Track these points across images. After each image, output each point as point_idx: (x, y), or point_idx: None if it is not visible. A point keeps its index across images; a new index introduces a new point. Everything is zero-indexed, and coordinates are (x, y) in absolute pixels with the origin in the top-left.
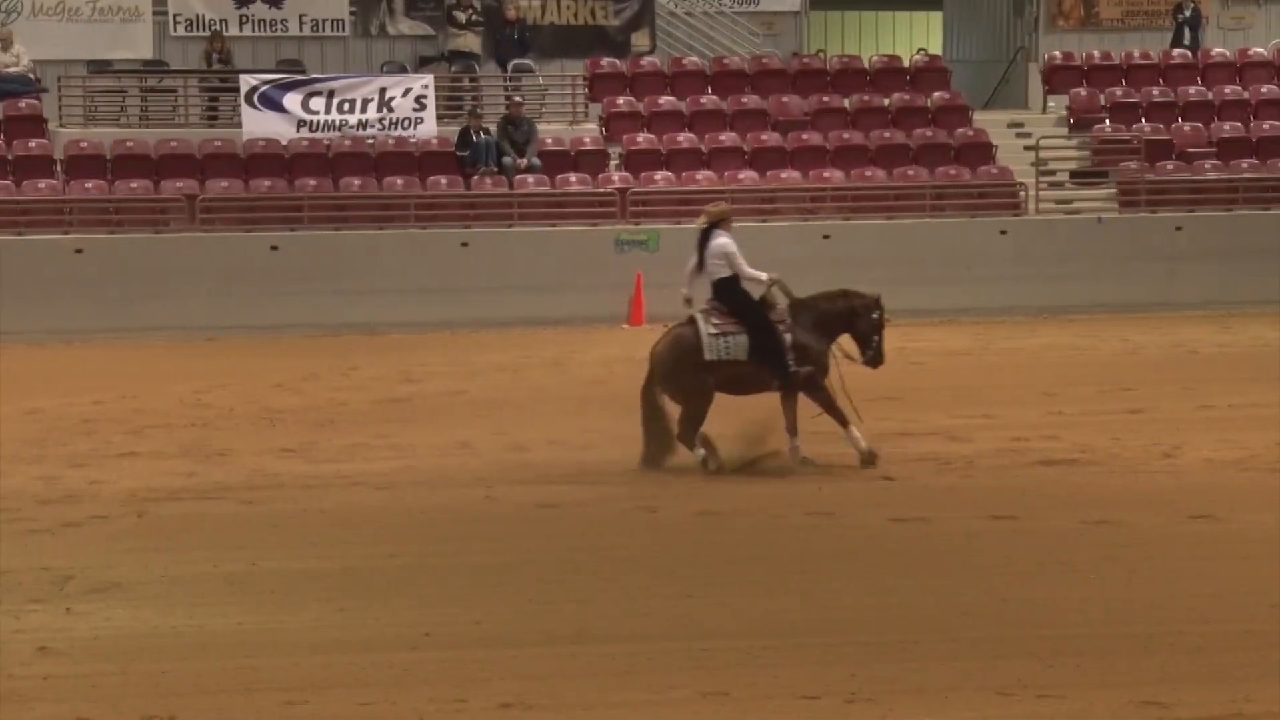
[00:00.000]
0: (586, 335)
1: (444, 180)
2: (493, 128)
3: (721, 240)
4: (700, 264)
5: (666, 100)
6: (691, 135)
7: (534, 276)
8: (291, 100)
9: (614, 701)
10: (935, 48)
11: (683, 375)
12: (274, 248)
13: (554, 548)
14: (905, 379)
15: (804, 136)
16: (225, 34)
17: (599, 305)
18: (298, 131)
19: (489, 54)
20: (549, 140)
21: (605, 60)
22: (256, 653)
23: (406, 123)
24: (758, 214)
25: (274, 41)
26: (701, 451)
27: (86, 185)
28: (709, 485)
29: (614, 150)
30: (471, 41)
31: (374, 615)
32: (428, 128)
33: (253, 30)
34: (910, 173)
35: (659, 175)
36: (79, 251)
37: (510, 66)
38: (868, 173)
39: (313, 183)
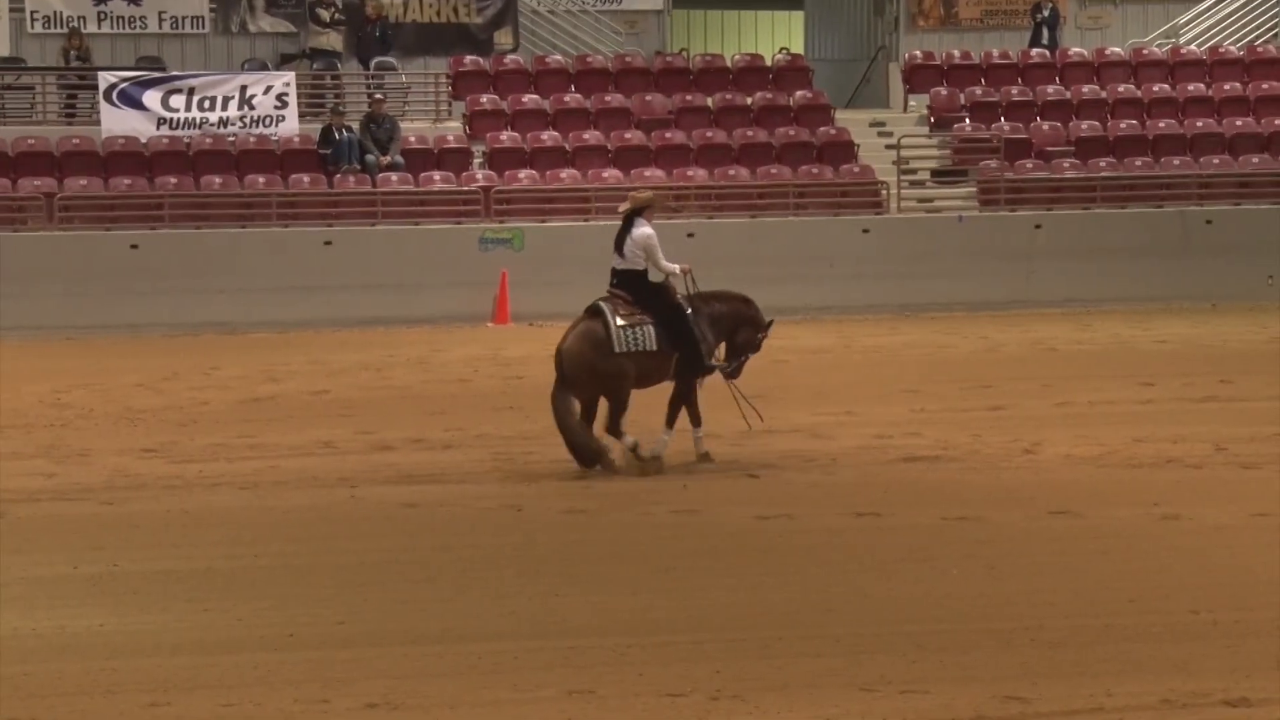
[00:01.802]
0: (451, 334)
1: (306, 178)
2: (355, 125)
3: (645, 230)
4: (619, 251)
5: (530, 99)
6: (555, 134)
7: (398, 275)
8: (151, 98)
9: (480, 700)
10: (797, 47)
11: (597, 367)
12: (134, 246)
13: (418, 547)
14: (768, 377)
15: (667, 135)
16: (84, 31)
17: (463, 304)
18: (158, 129)
19: (351, 52)
20: (412, 138)
21: (468, 58)
22: (118, 654)
23: (268, 120)
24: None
25: (133, 38)
26: (631, 439)
27: None
28: (575, 484)
29: (477, 148)
30: (334, 39)
31: (237, 616)
32: (289, 125)
33: (111, 27)
34: (773, 171)
35: (523, 174)
36: None
37: (372, 64)
38: (731, 171)
39: (173, 181)
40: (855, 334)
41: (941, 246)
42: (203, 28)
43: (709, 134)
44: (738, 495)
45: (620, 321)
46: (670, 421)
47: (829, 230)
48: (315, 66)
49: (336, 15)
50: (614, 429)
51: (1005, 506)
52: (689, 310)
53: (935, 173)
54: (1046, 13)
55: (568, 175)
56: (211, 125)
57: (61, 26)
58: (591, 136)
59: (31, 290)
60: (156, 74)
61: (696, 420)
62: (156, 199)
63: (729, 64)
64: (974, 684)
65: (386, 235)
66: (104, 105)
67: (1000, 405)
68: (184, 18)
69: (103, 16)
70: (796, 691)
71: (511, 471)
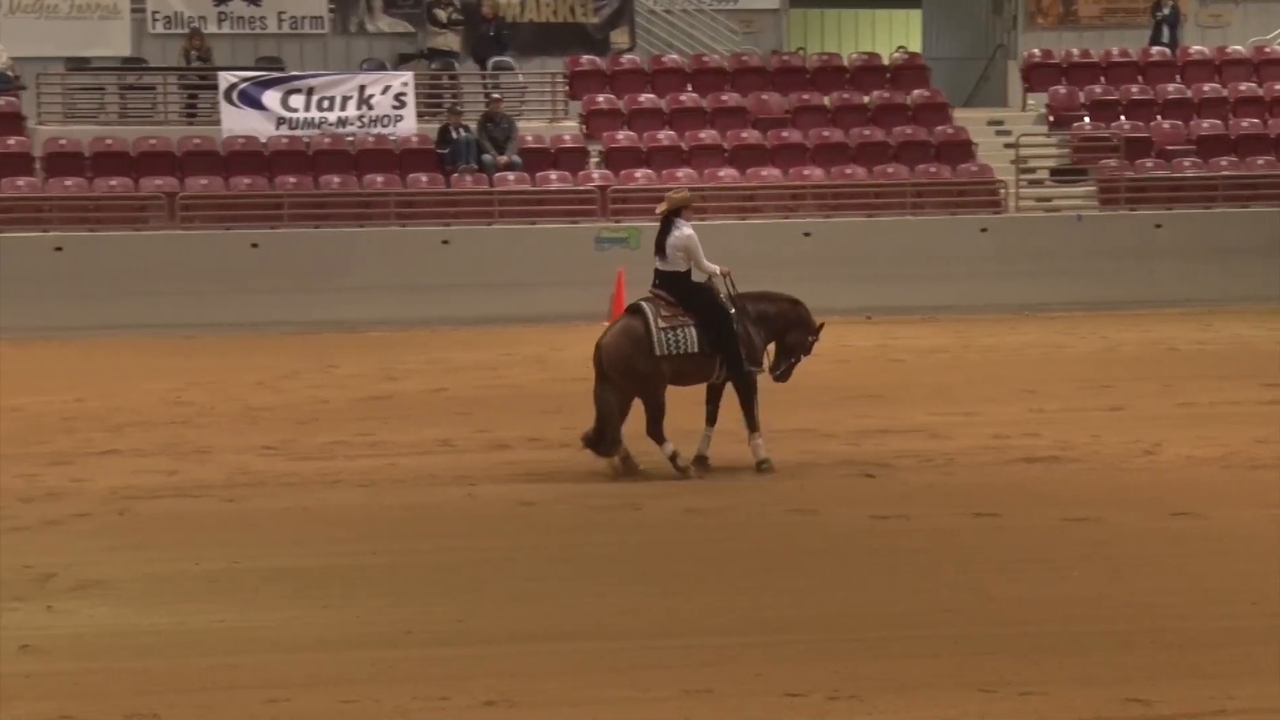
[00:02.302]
0: (567, 333)
1: (424, 178)
2: (473, 125)
3: (687, 232)
4: (661, 253)
5: (646, 98)
6: (671, 133)
7: (514, 274)
8: (270, 98)
9: (597, 699)
10: (915, 45)
11: (635, 366)
12: (254, 245)
13: (536, 545)
14: (886, 376)
15: (784, 134)
16: (204, 31)
17: (579, 303)
18: (277, 129)
19: (468, 52)
20: (529, 138)
21: (585, 58)
22: (238, 650)
23: (386, 120)
24: (738, 211)
25: (253, 39)
26: (671, 447)
27: (66, 183)
28: (692, 483)
29: (594, 148)
30: (451, 39)
31: (356, 613)
32: (407, 125)
33: (231, 28)
34: (890, 170)
35: (639, 173)
36: (58, 249)
37: (490, 64)
38: (848, 170)
39: (292, 180)
40: (973, 334)
41: (1060, 246)
42: (322, 28)
43: (826, 133)
44: (854, 495)
45: (661, 324)
46: (752, 425)
47: (946, 230)
48: (433, 66)
49: (454, 15)
50: (654, 433)
51: (1125, 507)
52: (733, 311)
53: (1054, 172)
54: (1167, 11)
55: (684, 174)
56: (330, 125)
57: (182, 27)
58: (708, 136)
59: (153, 289)
60: (276, 74)
61: (753, 425)
62: (276, 198)
63: (846, 63)
64: (1094, 686)
65: (503, 234)
66: (224, 105)
67: (1120, 405)
68: (303, 18)
69: (223, 17)
70: (914, 692)
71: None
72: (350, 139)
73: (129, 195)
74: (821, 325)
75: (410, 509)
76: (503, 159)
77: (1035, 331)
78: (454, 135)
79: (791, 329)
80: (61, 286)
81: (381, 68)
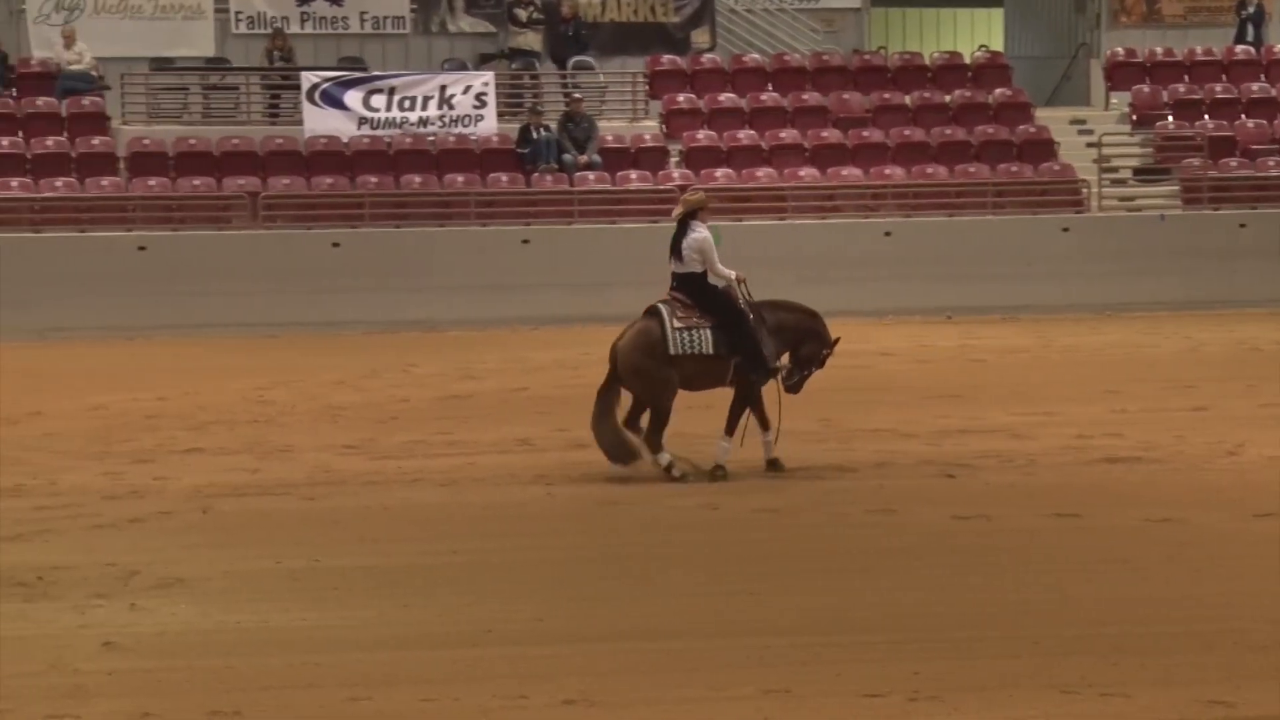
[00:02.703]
0: None
1: (504, 177)
2: (553, 125)
3: (700, 234)
4: (677, 255)
5: (727, 97)
6: (752, 132)
7: (594, 274)
8: (352, 98)
9: (676, 698)
10: (996, 44)
11: (648, 370)
12: (335, 245)
13: (615, 545)
14: (967, 376)
15: (865, 133)
16: (286, 31)
17: None
18: (359, 129)
19: (549, 51)
20: (609, 137)
21: (665, 57)
22: (319, 648)
23: (467, 120)
24: (818, 211)
25: (335, 39)
26: (667, 458)
27: (149, 182)
28: (770, 483)
29: (674, 147)
30: (532, 39)
31: (436, 611)
32: (488, 125)
33: (314, 28)
34: (971, 170)
35: (719, 172)
36: (142, 249)
37: (570, 64)
38: (929, 169)
39: (374, 180)
40: (1054, 333)
41: (1143, 245)
42: (403, 28)
43: (907, 132)
44: (934, 495)
45: (677, 324)
46: (730, 428)
47: (1028, 229)
48: (514, 66)
49: (534, 15)
50: (654, 441)
51: (1208, 508)
52: (750, 316)
53: (1137, 171)
54: (1252, 9)
55: (764, 174)
56: (411, 125)
57: (265, 27)
58: (788, 135)
59: (235, 288)
60: (358, 74)
61: (764, 424)
62: (357, 198)
63: (927, 62)
64: (1176, 688)
65: (583, 234)
66: (306, 105)
67: (1203, 406)
68: (385, 18)
69: (305, 17)
70: (994, 693)
71: (707, 470)
72: (431, 139)
73: (212, 195)
74: (837, 339)
75: (489, 508)
76: (583, 158)
77: (1117, 331)
78: (534, 135)
79: (807, 340)
80: (145, 286)
81: (463, 68)
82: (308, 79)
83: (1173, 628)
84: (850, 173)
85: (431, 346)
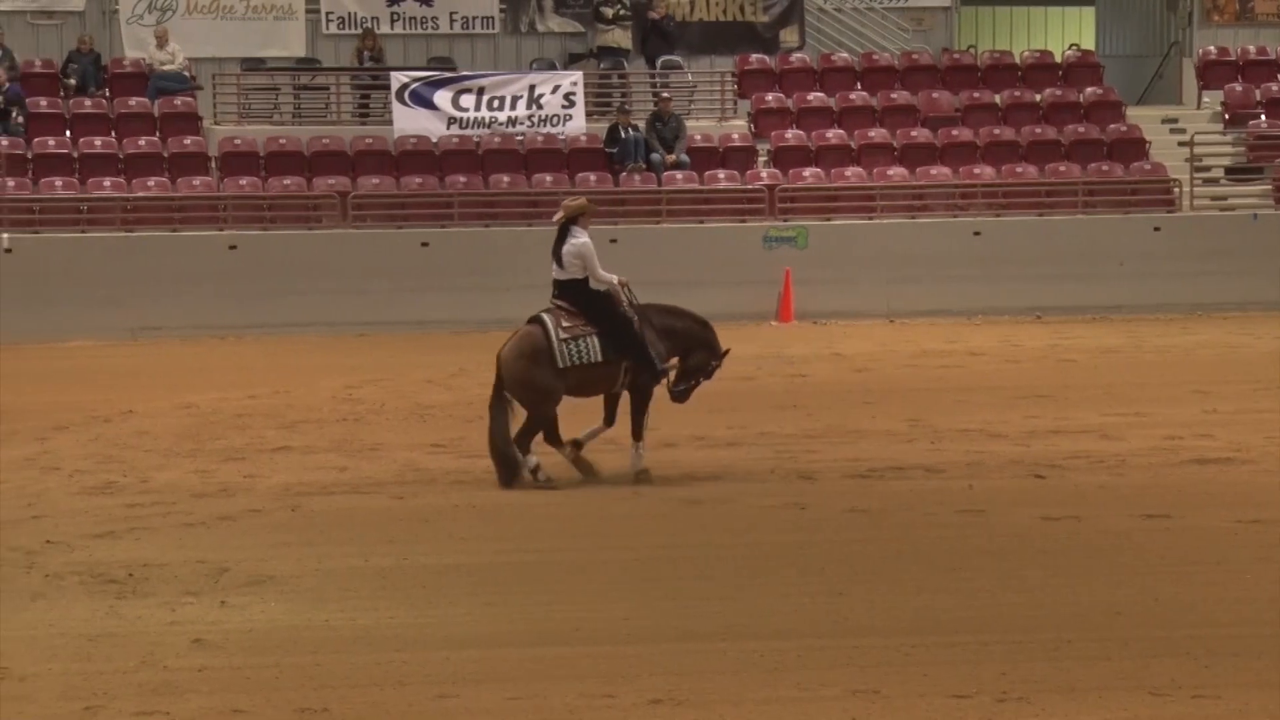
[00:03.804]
0: (734, 332)
1: (592, 177)
2: (641, 124)
3: (582, 240)
4: (558, 261)
5: (815, 96)
6: (840, 131)
7: (681, 273)
8: (442, 97)
9: (763, 698)
10: (1088, 43)
11: (532, 380)
12: (424, 244)
13: (702, 544)
14: (1056, 376)
15: (954, 132)
16: (376, 32)
17: (747, 302)
18: (448, 129)
19: (637, 50)
20: (697, 137)
21: (754, 56)
22: (408, 646)
23: (555, 119)
24: (907, 211)
25: (425, 39)
26: (535, 460)
27: (240, 182)
28: (859, 483)
29: (762, 146)
30: (620, 37)
31: (523, 610)
32: (576, 124)
33: (404, 28)
34: (1062, 169)
35: (807, 172)
36: (233, 248)
37: (659, 63)
38: (1019, 169)
39: (463, 179)
40: (1145, 334)
41: (1235, 245)
42: (492, 28)
43: (996, 131)
44: (1024, 496)
45: (563, 335)
46: (637, 433)
47: (1119, 229)
48: (602, 65)
49: (620, 12)
50: (523, 443)
51: None
52: (635, 318)
53: (1229, 170)
54: None
55: (853, 173)
56: (500, 124)
57: (355, 28)
58: (877, 134)
59: (325, 287)
60: (447, 74)
61: (639, 434)
62: (446, 197)
63: (1017, 60)
64: (1269, 690)
65: (671, 233)
66: (396, 105)
67: None
68: (474, 18)
69: (395, 17)
70: (1084, 694)
71: (794, 470)
72: (520, 138)
73: (302, 194)
74: (727, 351)
75: (577, 506)
76: (671, 158)
77: (1209, 331)
78: (623, 134)
79: (696, 350)
80: (235, 284)
81: (551, 67)
82: (397, 79)
83: (1264, 629)
84: (939, 172)
85: None
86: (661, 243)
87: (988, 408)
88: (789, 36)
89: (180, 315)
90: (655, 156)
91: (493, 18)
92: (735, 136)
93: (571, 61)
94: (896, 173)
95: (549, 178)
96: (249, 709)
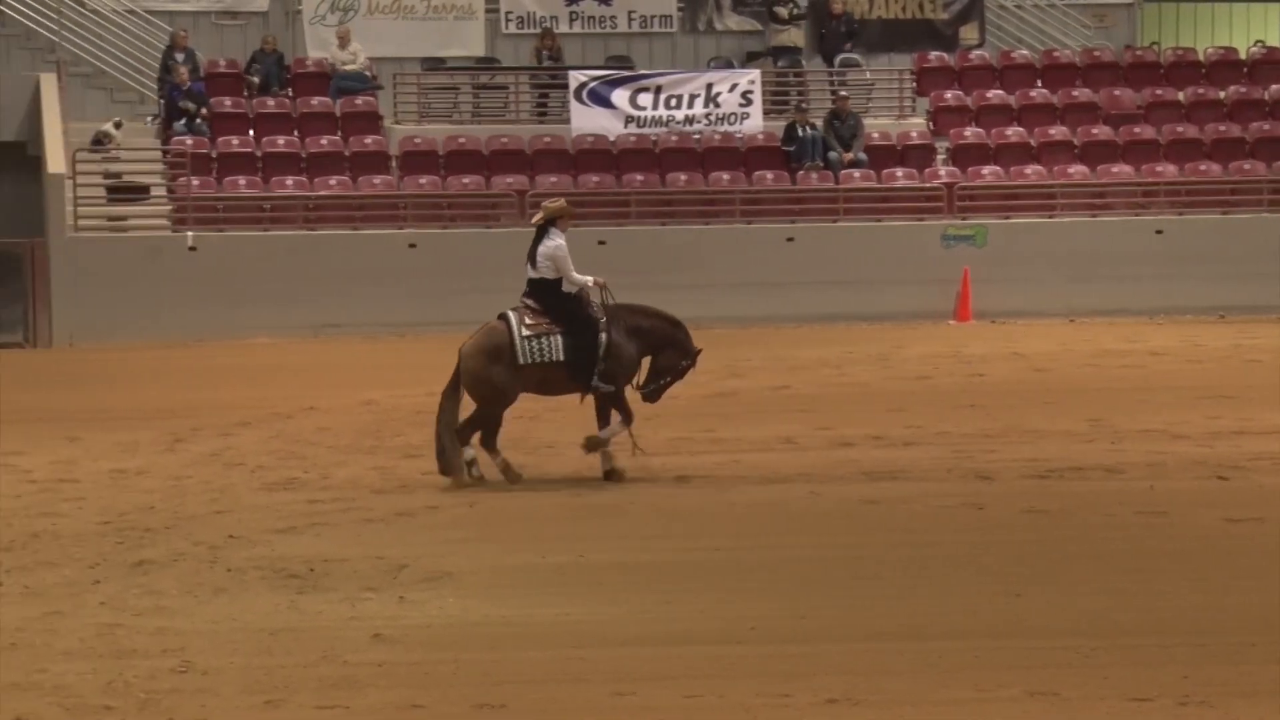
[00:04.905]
0: (911, 331)
1: (769, 175)
2: (819, 122)
3: (556, 242)
4: (531, 261)
5: (995, 94)
6: (1020, 129)
7: (859, 272)
8: (619, 96)
9: (940, 699)
10: (1273, 39)
11: (489, 377)
12: (601, 243)
13: (878, 544)
14: (1241, 377)
15: (1136, 130)
16: (555, 31)
17: (924, 301)
18: (625, 127)
19: (815, 48)
20: (875, 135)
21: (933, 54)
22: (585, 643)
23: (732, 118)
24: (1088, 209)
25: (603, 38)
26: (471, 453)
27: (420, 181)
28: (1037, 483)
29: (941, 144)
30: (795, 36)
31: (699, 608)
32: (754, 123)
33: (582, 27)
34: (1246, 167)
35: (987, 170)
36: (412, 246)
37: (837, 61)
38: (1202, 167)
39: (639, 178)
40: None
41: None
42: (670, 27)
43: (1179, 129)
44: (1206, 498)
45: (525, 332)
46: (604, 422)
47: None
48: (779, 64)
49: (795, 11)
50: (464, 433)
51: None
52: (604, 319)
53: None
54: None
55: (1033, 171)
56: (678, 123)
57: (534, 27)
58: (1057, 132)
59: (503, 284)
60: (625, 73)
61: (603, 426)
62: (623, 196)
63: (1201, 57)
64: None
65: (848, 232)
66: (574, 104)
67: None
68: (652, 17)
69: (574, 17)
70: (1268, 699)
71: (972, 470)
72: (697, 137)
73: (480, 193)
74: (699, 351)
75: (753, 505)
76: (848, 156)
77: None
78: (800, 133)
79: (665, 349)
80: (415, 282)
81: (729, 65)
82: (575, 78)
83: None
84: (1121, 170)
85: (696, 344)
86: (839, 242)
87: (1169, 408)
88: (969, 34)
89: (361, 312)
90: (833, 155)
91: (671, 16)
92: (913, 134)
93: (749, 60)
94: (1077, 171)
95: (726, 176)
96: (427, 704)
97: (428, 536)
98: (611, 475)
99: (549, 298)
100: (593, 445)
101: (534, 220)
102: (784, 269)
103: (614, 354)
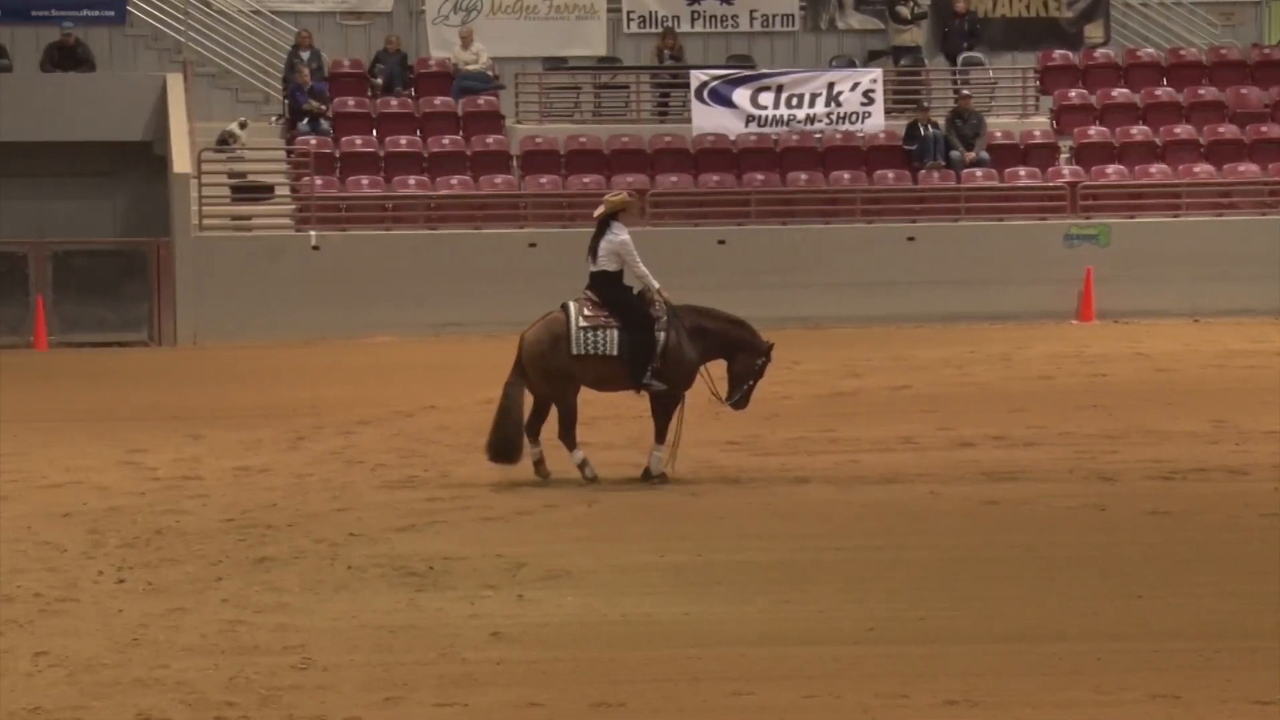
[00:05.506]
0: (1033, 331)
1: (891, 174)
2: (941, 121)
3: (621, 237)
4: (593, 254)
5: (1120, 92)
6: (1145, 128)
7: (980, 271)
8: (740, 95)
9: (1061, 701)
10: None
11: (549, 366)
12: (721, 242)
13: (999, 545)
14: None
15: (1263, 129)
16: (677, 30)
17: (1047, 300)
18: (746, 126)
19: (936, 47)
20: (998, 133)
21: (1057, 52)
22: (702, 642)
23: (854, 117)
24: (1214, 208)
25: (724, 37)
26: (581, 455)
27: (541, 180)
28: (1160, 484)
29: (1064, 143)
30: (916, 35)
31: (817, 608)
32: (875, 122)
33: (704, 26)
34: None
35: (1110, 169)
36: (533, 245)
37: (960, 60)
38: None
39: (760, 177)
40: None
41: None
42: (792, 25)
43: None
44: None
45: (583, 323)
46: (659, 436)
47: None
48: (901, 63)
49: (916, 10)
50: (565, 438)
51: None
52: (663, 318)
53: None
54: None
55: (1157, 170)
56: (799, 122)
57: (655, 26)
58: (1183, 131)
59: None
60: (746, 72)
61: (660, 436)
62: (744, 195)
63: None
64: None
65: (970, 231)
66: (695, 103)
67: None
68: (774, 16)
69: (695, 16)
70: None
71: (1094, 471)
72: (818, 136)
73: (601, 192)
74: (771, 345)
75: (872, 506)
76: (971, 155)
77: None
78: (922, 131)
79: (735, 352)
80: (535, 281)
81: (850, 64)
82: (697, 77)
83: None
84: (1248, 169)
85: (816, 343)
86: (960, 241)
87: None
88: (1093, 32)
89: (481, 311)
90: (955, 154)
91: (792, 15)
92: (1036, 133)
93: (871, 59)
94: (1203, 170)
95: (847, 175)
96: (545, 702)
97: (546, 535)
98: (648, 476)
99: (609, 291)
100: (648, 478)
101: (595, 214)
102: (905, 268)
103: (671, 355)
